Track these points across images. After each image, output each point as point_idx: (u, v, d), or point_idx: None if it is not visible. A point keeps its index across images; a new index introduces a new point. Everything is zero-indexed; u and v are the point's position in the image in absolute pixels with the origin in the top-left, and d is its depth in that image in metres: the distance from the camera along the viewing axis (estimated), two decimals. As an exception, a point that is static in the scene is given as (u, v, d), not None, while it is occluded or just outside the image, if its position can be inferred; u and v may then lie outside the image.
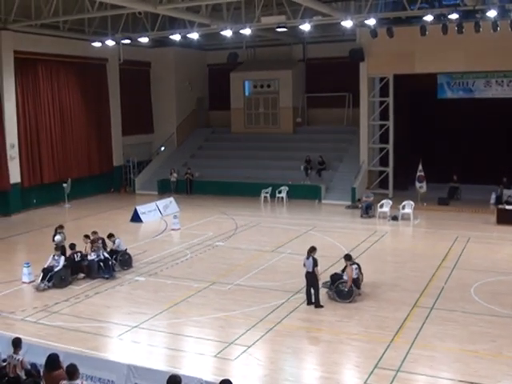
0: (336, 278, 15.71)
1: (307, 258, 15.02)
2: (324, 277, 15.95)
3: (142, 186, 35.40)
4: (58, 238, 19.37)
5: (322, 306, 14.88)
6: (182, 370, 11.13)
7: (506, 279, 17.33)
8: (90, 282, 17.62)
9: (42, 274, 17.11)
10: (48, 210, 29.99)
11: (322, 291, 15.53)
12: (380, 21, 26.67)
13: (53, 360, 9.47)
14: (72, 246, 18.27)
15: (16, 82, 28.61)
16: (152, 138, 38.81)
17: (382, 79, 31.11)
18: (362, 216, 26.93)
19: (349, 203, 29.69)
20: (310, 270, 14.89)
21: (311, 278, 14.93)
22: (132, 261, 19.27)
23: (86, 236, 18.99)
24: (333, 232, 23.79)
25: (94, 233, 19.18)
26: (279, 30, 27.27)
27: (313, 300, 15.01)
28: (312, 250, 15.15)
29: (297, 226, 25.08)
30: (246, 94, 38.18)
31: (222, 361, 12.14)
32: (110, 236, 19.36)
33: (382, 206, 26.72)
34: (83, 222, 26.24)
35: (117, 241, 19.24)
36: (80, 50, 31.59)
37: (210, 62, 40.42)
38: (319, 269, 15.15)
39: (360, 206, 27.78)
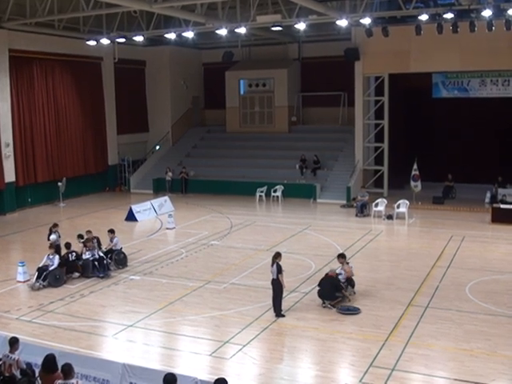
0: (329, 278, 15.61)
1: (271, 265, 14.41)
2: (319, 276, 15.96)
3: (137, 184, 35.37)
4: (53, 237, 19.31)
5: (283, 316, 14.30)
6: (177, 369, 11.12)
7: (501, 278, 17.38)
8: (85, 281, 17.59)
9: (36, 273, 17.09)
10: (43, 208, 29.95)
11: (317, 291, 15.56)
12: (375, 20, 26.75)
13: (50, 361, 9.42)
14: (67, 246, 18.24)
15: (11, 81, 28.51)
16: (147, 137, 38.77)
17: (377, 78, 31.15)
18: (356, 215, 26.97)
19: (344, 202, 29.74)
20: (275, 277, 14.29)
21: (275, 285, 14.39)
22: (127, 260, 19.25)
23: (80, 236, 18.96)
24: (328, 231, 23.82)
25: (89, 232, 19.15)
26: (274, 28, 27.32)
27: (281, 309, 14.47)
28: (276, 256, 14.46)
29: (292, 224, 25.11)
30: (242, 92, 38.18)
31: (217, 360, 12.14)
32: (111, 231, 19.43)
33: (376, 205, 26.76)
34: (78, 221, 26.23)
35: (115, 239, 19.26)
36: (75, 49, 31.54)
37: (206, 60, 40.40)
38: (284, 276, 14.53)
39: (355, 205, 27.82)
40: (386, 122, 30.81)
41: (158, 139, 38.26)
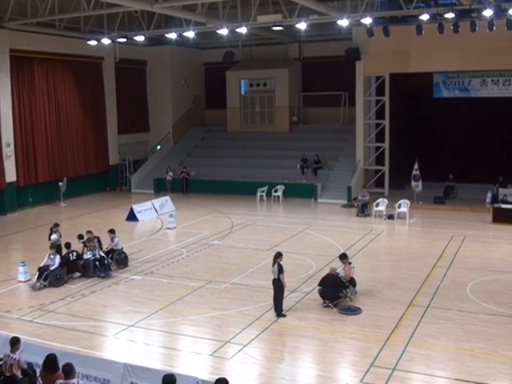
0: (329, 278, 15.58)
1: (272, 265, 14.41)
2: (319, 276, 15.97)
3: (138, 184, 35.38)
4: (53, 236, 19.31)
5: (284, 316, 14.29)
6: (178, 369, 11.13)
7: (502, 278, 17.37)
8: (86, 280, 17.59)
9: (37, 273, 17.09)
10: (44, 208, 29.97)
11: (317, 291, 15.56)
12: (376, 20, 26.75)
13: (51, 361, 9.42)
14: (67, 245, 18.24)
15: (12, 81, 28.51)
16: (148, 137, 38.77)
17: (378, 78, 31.14)
18: (357, 215, 26.97)
19: (345, 202, 29.74)
20: (276, 276, 14.28)
21: (276, 285, 14.39)
22: (128, 260, 19.25)
23: (80, 236, 18.96)
24: (329, 231, 23.82)
25: (89, 232, 19.13)
26: (275, 28, 27.27)
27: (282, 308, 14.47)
28: (277, 256, 14.44)
29: (293, 224, 25.10)
30: (242, 92, 38.17)
31: (218, 359, 12.13)
32: (111, 231, 19.43)
33: (377, 205, 26.75)
34: (79, 221, 26.23)
35: (116, 239, 19.26)
36: (76, 49, 31.53)
37: (206, 60, 40.40)
38: (285, 276, 14.53)
39: (356, 204, 27.81)
40: (386, 122, 30.80)
41: (158, 139, 38.25)
